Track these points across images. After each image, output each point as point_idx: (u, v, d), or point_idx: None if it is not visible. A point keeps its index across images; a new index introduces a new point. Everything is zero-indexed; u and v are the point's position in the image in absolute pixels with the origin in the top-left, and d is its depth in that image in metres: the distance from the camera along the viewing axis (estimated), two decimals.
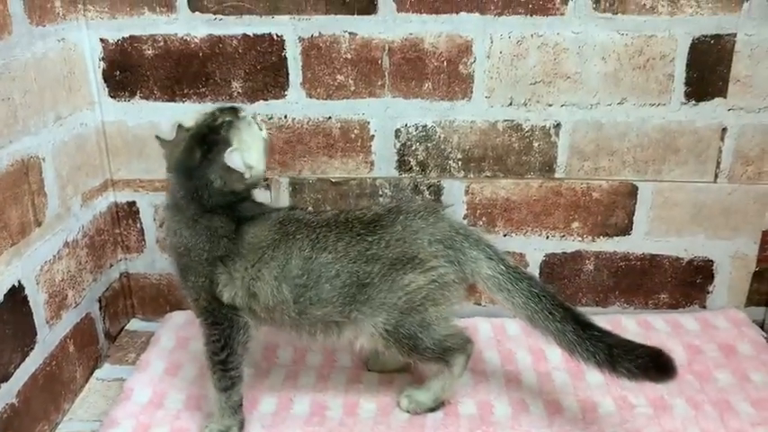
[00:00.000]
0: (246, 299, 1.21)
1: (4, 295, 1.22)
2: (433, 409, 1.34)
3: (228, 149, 1.18)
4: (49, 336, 1.36)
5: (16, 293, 1.25)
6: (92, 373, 1.52)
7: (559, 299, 1.24)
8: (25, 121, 1.28)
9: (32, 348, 1.30)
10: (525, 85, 1.50)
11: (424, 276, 1.22)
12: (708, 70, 1.47)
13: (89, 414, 1.40)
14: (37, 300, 1.32)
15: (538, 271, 1.65)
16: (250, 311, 1.23)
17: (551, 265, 1.65)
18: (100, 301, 1.58)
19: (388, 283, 1.21)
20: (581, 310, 1.62)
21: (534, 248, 1.64)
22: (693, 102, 1.49)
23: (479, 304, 1.68)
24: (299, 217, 1.26)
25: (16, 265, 1.25)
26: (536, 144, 1.55)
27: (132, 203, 1.62)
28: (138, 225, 1.64)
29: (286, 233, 1.23)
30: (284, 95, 1.53)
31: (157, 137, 1.23)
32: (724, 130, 1.51)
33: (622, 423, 1.30)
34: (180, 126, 1.22)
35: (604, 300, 1.67)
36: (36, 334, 1.31)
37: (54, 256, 1.38)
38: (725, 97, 1.48)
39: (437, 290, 1.23)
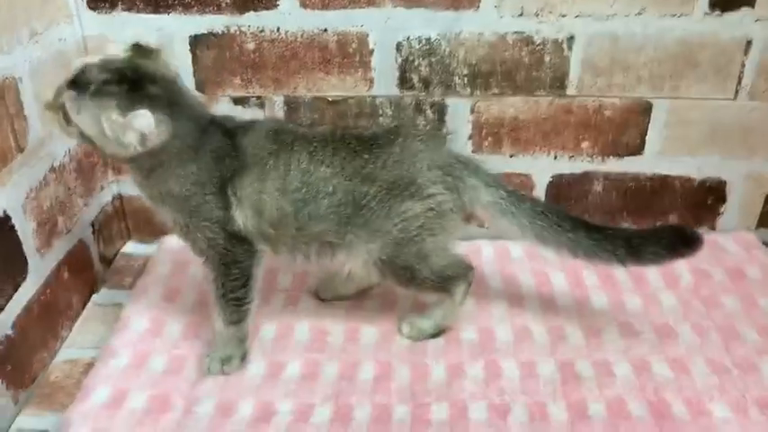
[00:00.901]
0: (256, 219, 1.18)
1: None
2: (434, 336, 1.33)
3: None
4: (42, 264, 1.32)
5: (3, 224, 1.20)
6: (89, 299, 1.50)
7: (564, 212, 1.22)
8: None
9: (24, 279, 1.27)
10: None
11: (421, 204, 1.18)
12: None
13: (88, 341, 1.39)
14: (25, 229, 1.27)
15: (544, 193, 1.60)
16: (259, 234, 1.19)
17: (558, 186, 1.59)
18: (93, 225, 1.53)
19: (385, 210, 1.18)
20: None
21: (541, 169, 1.57)
22: (718, 12, 1.38)
23: (482, 226, 1.64)
24: (292, 129, 1.22)
25: (0, 194, 1.20)
26: (547, 58, 1.45)
27: None
28: None
29: (284, 143, 1.18)
30: (276, 5, 1.41)
31: None
32: (749, 42, 1.41)
33: (626, 350, 1.29)
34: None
35: (612, 220, 1.62)
36: (27, 264, 1.27)
37: (40, 183, 1.32)
38: (753, 6, 1.37)
39: (434, 219, 1.19)
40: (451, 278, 1.26)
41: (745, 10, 1.38)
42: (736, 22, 1.39)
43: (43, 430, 1.19)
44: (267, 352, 1.31)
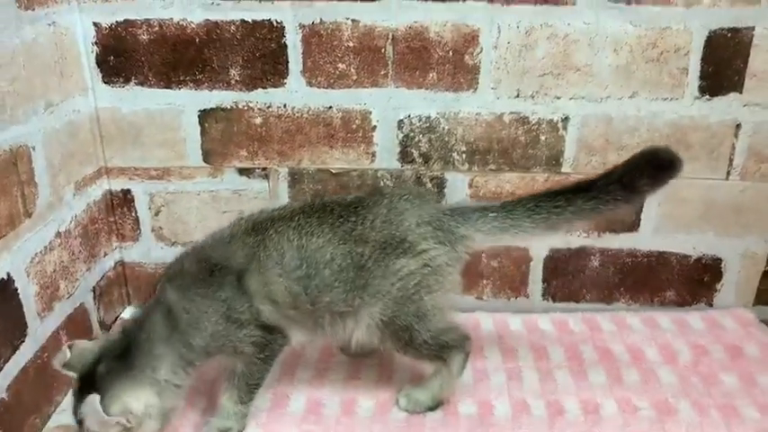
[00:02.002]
0: (275, 308, 1.21)
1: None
2: (431, 409, 1.32)
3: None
4: (41, 328, 1.33)
5: (5, 287, 1.22)
6: None
7: (553, 192, 1.25)
8: (13, 110, 1.23)
9: (23, 342, 1.27)
10: (533, 76, 1.45)
11: (415, 261, 1.21)
12: (724, 64, 1.41)
13: None
14: (27, 292, 1.28)
15: (541, 266, 1.62)
16: (286, 320, 1.23)
17: (555, 260, 1.61)
18: (94, 290, 1.55)
19: (382, 269, 1.21)
20: (584, 307, 1.64)
21: (538, 244, 1.60)
22: (707, 97, 1.44)
23: (481, 299, 1.65)
24: (266, 216, 1.25)
25: (5, 258, 1.21)
26: (543, 137, 1.50)
27: (127, 191, 1.58)
28: (134, 213, 1.60)
29: (264, 230, 1.22)
30: (284, 84, 1.48)
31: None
32: (738, 126, 1.46)
33: (625, 426, 1.27)
34: None
35: (609, 296, 1.64)
36: (27, 327, 1.28)
37: (45, 248, 1.34)
38: (740, 92, 1.43)
39: (430, 275, 1.22)
40: (448, 346, 1.26)
41: (733, 95, 1.44)
42: (725, 107, 1.45)
43: None
44: (262, 423, 1.30)
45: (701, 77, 1.43)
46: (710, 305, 1.63)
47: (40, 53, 1.31)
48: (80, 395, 1.12)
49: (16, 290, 1.25)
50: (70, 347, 1.19)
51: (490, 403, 1.34)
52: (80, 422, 1.13)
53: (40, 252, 1.33)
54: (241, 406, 1.26)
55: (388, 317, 1.22)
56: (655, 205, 1.54)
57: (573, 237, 1.58)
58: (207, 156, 1.54)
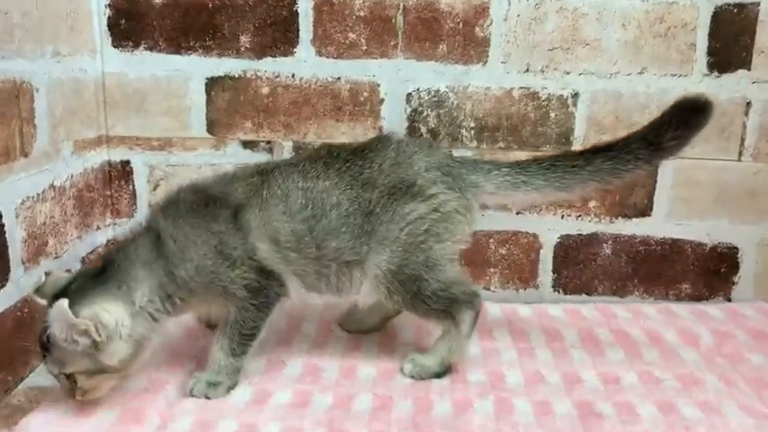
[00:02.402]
0: (276, 248, 1.15)
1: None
2: (439, 375, 1.22)
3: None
4: (24, 279, 1.24)
5: None
6: None
7: (572, 152, 1.22)
8: (21, 43, 1.22)
9: (4, 285, 1.19)
10: (543, 50, 1.46)
11: (425, 205, 1.17)
12: (731, 40, 1.43)
13: None
14: (14, 234, 1.21)
15: (552, 254, 1.56)
16: (285, 264, 1.16)
17: (566, 248, 1.55)
18: (83, 261, 1.47)
19: (390, 214, 1.16)
20: (596, 299, 1.57)
21: (548, 229, 1.54)
22: (716, 73, 1.45)
23: (488, 289, 1.58)
24: (270, 162, 1.24)
25: None
26: (553, 114, 1.49)
27: (126, 163, 1.54)
28: (131, 187, 1.55)
29: (269, 172, 1.19)
30: (293, 53, 1.48)
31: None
32: (748, 104, 1.46)
33: (648, 394, 1.17)
34: None
35: (622, 288, 1.56)
36: (9, 271, 1.20)
37: (38, 195, 1.28)
38: (749, 69, 1.44)
39: (440, 222, 1.17)
40: (458, 300, 1.19)
41: (741, 72, 1.44)
42: (734, 84, 1.45)
43: None
44: (254, 382, 1.19)
45: (709, 53, 1.44)
46: (729, 300, 1.56)
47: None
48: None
49: (3, 226, 1.18)
50: (47, 274, 1.12)
51: (502, 373, 1.25)
52: (44, 345, 1.04)
53: (32, 198, 1.27)
54: (233, 359, 1.16)
55: (396, 265, 1.16)
56: (667, 188, 1.51)
57: (584, 222, 1.54)
58: (211, 126, 1.51)
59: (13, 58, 1.19)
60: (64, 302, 0.99)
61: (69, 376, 1.05)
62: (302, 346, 1.34)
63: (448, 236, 1.18)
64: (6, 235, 1.19)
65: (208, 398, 1.14)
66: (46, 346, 1.04)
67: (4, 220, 1.18)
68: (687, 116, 1.16)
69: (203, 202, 1.14)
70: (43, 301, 1.08)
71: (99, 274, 1.09)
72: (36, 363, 1.28)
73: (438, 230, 1.17)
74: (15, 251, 1.22)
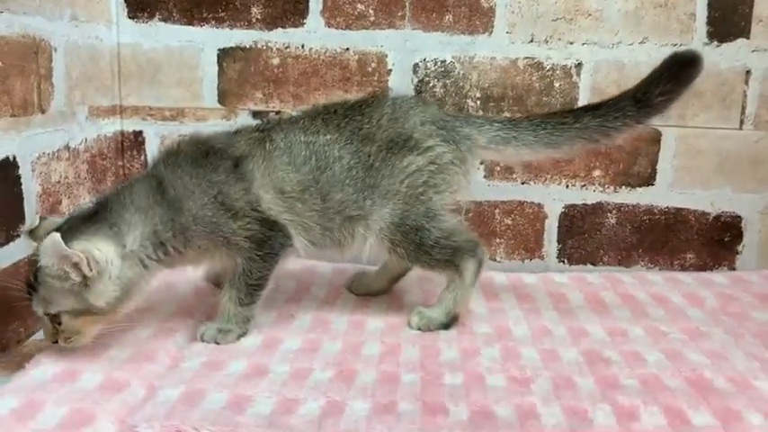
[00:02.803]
0: (281, 197, 1.17)
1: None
2: (446, 326, 1.23)
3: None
4: None
5: (10, 168, 1.18)
6: None
7: (562, 110, 1.26)
8: (42, 2, 1.25)
9: (18, 235, 1.21)
10: (547, 21, 1.49)
11: (422, 157, 1.20)
12: (730, 10, 1.46)
13: None
14: (30, 187, 1.24)
15: (557, 224, 1.57)
16: (290, 213, 1.18)
17: (571, 217, 1.57)
18: None
19: (389, 167, 1.19)
20: (601, 268, 1.58)
21: (553, 198, 1.56)
22: (716, 42, 1.48)
23: (494, 259, 1.59)
24: (271, 119, 1.27)
25: (13, 137, 1.19)
26: (557, 84, 1.52)
27: (139, 133, 1.57)
28: (143, 157, 1.58)
29: (271, 128, 1.22)
30: (303, 23, 1.52)
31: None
32: (748, 72, 1.49)
33: (655, 344, 1.18)
34: None
35: (627, 258, 1.58)
36: (24, 222, 1.22)
37: (53, 153, 1.31)
38: (748, 38, 1.47)
39: (437, 173, 1.20)
40: (460, 249, 1.21)
41: (741, 41, 1.47)
42: (734, 53, 1.48)
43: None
44: (264, 331, 1.21)
45: (709, 23, 1.47)
46: (733, 269, 1.57)
47: None
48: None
49: (19, 177, 1.21)
50: (42, 219, 1.13)
51: (508, 327, 1.26)
52: (31, 283, 1.03)
53: (48, 155, 1.30)
54: (241, 308, 1.18)
55: (399, 217, 1.19)
56: (670, 157, 1.53)
57: (588, 191, 1.56)
58: (222, 97, 1.55)
59: (33, 15, 1.23)
60: (56, 235, 1.00)
61: (54, 317, 1.05)
62: (311, 303, 1.35)
63: (446, 186, 1.21)
64: (22, 186, 1.22)
65: (217, 343, 1.15)
66: (33, 285, 1.04)
67: (20, 172, 1.21)
68: (677, 71, 1.18)
69: (203, 153, 1.16)
70: (35, 243, 1.08)
71: (91, 216, 1.09)
72: None
73: (436, 181, 1.20)
74: (31, 204, 1.25)
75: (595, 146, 1.26)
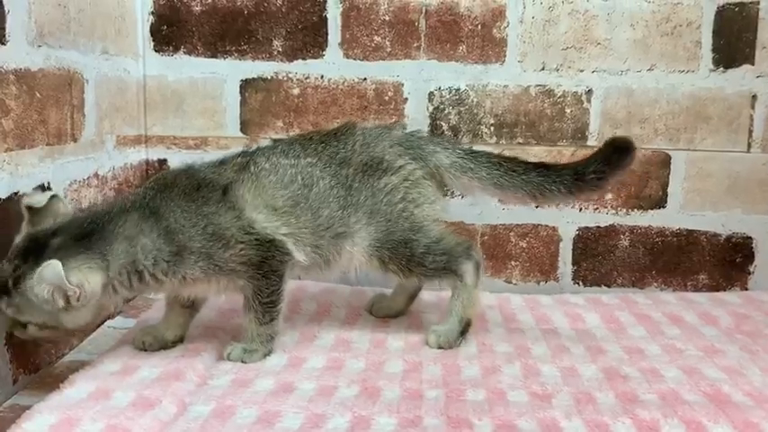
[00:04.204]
0: (273, 214, 1.20)
1: (34, 189, 1.19)
2: (462, 333, 1.27)
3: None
4: None
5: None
6: (103, 322, 1.45)
7: (521, 159, 1.31)
8: (76, 36, 1.32)
9: None
10: (557, 50, 1.55)
11: (396, 176, 1.26)
12: (734, 37, 1.51)
13: (98, 350, 1.32)
14: None
15: (571, 246, 1.61)
16: (286, 228, 1.20)
17: (585, 239, 1.60)
18: None
19: (368, 188, 1.25)
20: (616, 290, 1.61)
21: (567, 221, 1.60)
22: (722, 69, 1.53)
23: (510, 282, 1.62)
24: (252, 149, 1.29)
25: (48, 165, 1.24)
26: (568, 110, 1.57)
27: (164, 161, 1.63)
28: None
29: (252, 154, 1.25)
30: (322, 55, 1.58)
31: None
32: (754, 97, 1.53)
33: (672, 361, 1.21)
34: None
35: (641, 279, 1.61)
36: None
37: (84, 180, 1.36)
38: (752, 64, 1.52)
39: (412, 188, 1.27)
40: (453, 254, 1.26)
41: (746, 67, 1.52)
42: (740, 78, 1.53)
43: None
44: (288, 350, 1.24)
45: (714, 50, 1.52)
46: (746, 289, 1.59)
47: (105, 2, 1.43)
48: (24, 258, 1.05)
49: None
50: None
51: (527, 346, 1.28)
52: (5, 287, 1.04)
53: (79, 182, 1.35)
54: (263, 327, 1.20)
55: (383, 233, 1.24)
56: (680, 180, 1.57)
57: (601, 214, 1.59)
58: (244, 126, 1.60)
59: (68, 49, 1.29)
60: (58, 264, 1.00)
61: (16, 321, 1.07)
62: (333, 323, 1.38)
63: (423, 199, 1.27)
64: None
65: (244, 362, 1.18)
66: (7, 288, 1.04)
67: None
68: (611, 154, 1.26)
69: (195, 187, 1.18)
70: (31, 219, 1.09)
71: (85, 238, 1.09)
72: (76, 342, 1.33)
73: (413, 196, 1.27)
74: None
75: (533, 201, 1.35)
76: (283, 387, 1.09)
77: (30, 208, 1.11)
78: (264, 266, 1.19)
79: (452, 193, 1.52)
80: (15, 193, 1.15)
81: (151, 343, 1.22)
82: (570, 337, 1.33)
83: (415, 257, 1.24)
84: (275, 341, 1.22)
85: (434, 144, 1.31)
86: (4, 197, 1.12)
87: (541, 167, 1.29)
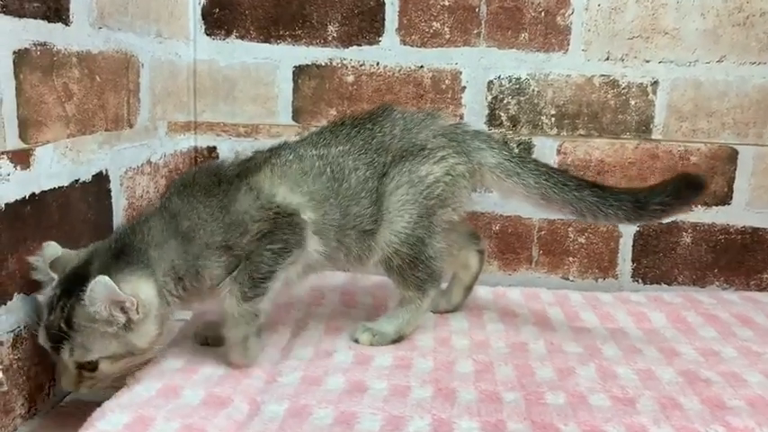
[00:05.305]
0: (298, 191, 1.11)
1: (93, 176, 1.16)
2: (394, 342, 1.22)
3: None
4: None
5: (102, 181, 1.20)
6: None
7: (568, 172, 1.25)
8: (133, 19, 1.28)
9: None
10: (623, 39, 1.49)
11: (438, 167, 1.19)
12: None
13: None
14: (118, 201, 1.25)
15: (631, 243, 1.56)
16: (308, 206, 1.12)
17: (646, 237, 1.55)
18: None
19: (406, 175, 1.18)
20: (676, 288, 1.56)
21: None
22: None
23: (567, 278, 1.58)
24: (279, 144, 1.20)
25: (106, 152, 1.20)
26: (633, 102, 1.51)
27: (213, 149, 1.58)
28: None
29: (278, 149, 1.17)
30: (378, 41, 1.52)
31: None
32: None
33: (752, 365, 1.15)
34: None
35: (702, 278, 1.56)
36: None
37: (138, 167, 1.33)
38: None
39: (449, 186, 1.20)
40: (434, 276, 1.22)
41: None
42: None
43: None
44: (353, 347, 1.20)
45: None
46: None
47: None
48: (67, 296, 0.96)
49: (110, 191, 1.23)
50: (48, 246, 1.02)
51: (597, 347, 1.23)
52: (62, 331, 0.95)
53: (133, 169, 1.31)
54: (246, 304, 1.07)
55: (411, 228, 1.18)
56: (747, 176, 1.51)
57: None
58: (296, 114, 1.56)
59: (125, 31, 1.25)
60: (106, 278, 0.93)
61: (86, 364, 0.98)
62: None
63: (450, 201, 1.21)
64: (112, 200, 1.23)
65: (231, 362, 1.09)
66: (65, 332, 0.96)
67: (111, 186, 1.22)
68: (682, 188, 1.19)
69: (216, 182, 1.10)
70: (54, 275, 1.00)
71: (122, 254, 1.02)
72: None
73: (446, 195, 1.20)
74: (118, 217, 1.26)
75: (580, 218, 1.26)
76: (356, 386, 1.05)
77: (51, 263, 1.01)
78: (278, 241, 1.08)
79: None
80: (76, 181, 1.11)
81: (213, 338, 1.17)
82: (639, 337, 1.28)
83: (416, 260, 1.19)
84: (261, 318, 1.10)
85: (480, 140, 1.24)
86: (66, 185, 1.08)
87: (596, 187, 1.21)
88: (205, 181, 1.10)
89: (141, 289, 0.99)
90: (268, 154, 1.16)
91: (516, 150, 1.34)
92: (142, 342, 1.00)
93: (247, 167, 1.13)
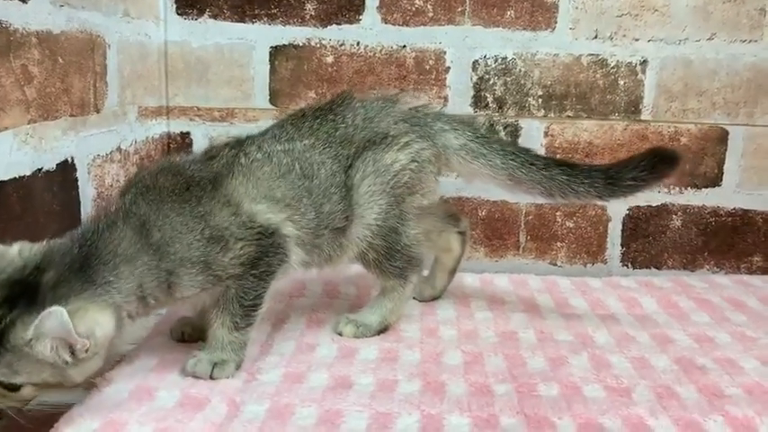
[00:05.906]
0: (275, 204, 1.05)
1: (57, 165, 1.09)
2: (379, 333, 1.18)
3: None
4: None
5: (68, 169, 1.13)
6: None
7: (535, 152, 1.20)
8: None
9: None
10: (611, 17, 1.44)
11: (403, 154, 1.15)
12: None
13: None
14: (86, 190, 1.19)
15: (620, 227, 1.52)
16: (288, 221, 1.06)
17: (635, 220, 1.52)
18: None
19: (371, 165, 1.12)
20: (666, 272, 1.53)
21: (616, 202, 1.51)
22: None
23: (555, 264, 1.54)
24: (242, 138, 1.12)
25: (71, 139, 1.13)
26: (621, 82, 1.47)
27: (186, 134, 1.51)
28: None
29: (241, 144, 1.09)
30: (359, 20, 1.46)
31: None
32: None
33: (748, 350, 1.13)
34: None
35: (692, 261, 1.53)
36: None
37: (107, 155, 1.26)
38: None
39: (416, 172, 1.15)
40: (414, 262, 1.18)
41: None
42: None
43: None
44: (336, 340, 1.15)
45: None
46: None
47: None
48: (10, 305, 0.84)
49: (76, 181, 1.16)
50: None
51: (589, 335, 1.19)
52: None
53: (102, 157, 1.24)
54: (237, 333, 1.03)
55: (382, 219, 1.13)
56: (737, 157, 1.48)
57: (653, 193, 1.50)
58: (274, 97, 1.49)
59: (90, 10, 1.18)
60: (63, 313, 0.81)
61: (7, 385, 0.85)
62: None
63: (418, 188, 1.17)
64: (79, 190, 1.17)
65: (213, 378, 1.00)
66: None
67: (77, 175, 1.16)
68: (656, 162, 1.14)
69: (185, 186, 1.01)
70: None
71: (83, 267, 0.90)
72: None
73: (413, 182, 1.15)
74: (86, 208, 1.20)
75: (550, 199, 1.21)
76: (340, 382, 1.00)
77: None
78: (261, 265, 1.03)
79: None
80: (39, 170, 1.05)
81: (190, 333, 1.12)
82: (631, 323, 1.25)
83: (392, 250, 1.14)
84: (247, 346, 1.05)
85: (443, 122, 1.19)
86: (28, 174, 1.01)
87: (565, 165, 1.17)
88: (171, 183, 1.00)
89: (99, 323, 0.88)
90: (234, 152, 1.06)
91: (502, 134, 1.28)
92: (80, 377, 0.90)
93: (216, 173, 1.03)
